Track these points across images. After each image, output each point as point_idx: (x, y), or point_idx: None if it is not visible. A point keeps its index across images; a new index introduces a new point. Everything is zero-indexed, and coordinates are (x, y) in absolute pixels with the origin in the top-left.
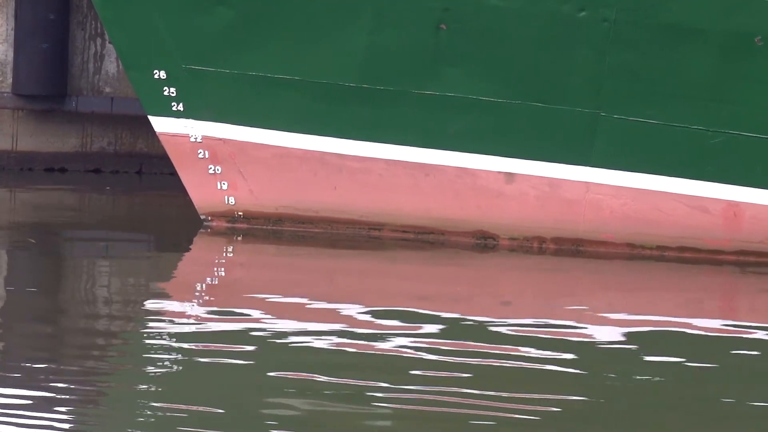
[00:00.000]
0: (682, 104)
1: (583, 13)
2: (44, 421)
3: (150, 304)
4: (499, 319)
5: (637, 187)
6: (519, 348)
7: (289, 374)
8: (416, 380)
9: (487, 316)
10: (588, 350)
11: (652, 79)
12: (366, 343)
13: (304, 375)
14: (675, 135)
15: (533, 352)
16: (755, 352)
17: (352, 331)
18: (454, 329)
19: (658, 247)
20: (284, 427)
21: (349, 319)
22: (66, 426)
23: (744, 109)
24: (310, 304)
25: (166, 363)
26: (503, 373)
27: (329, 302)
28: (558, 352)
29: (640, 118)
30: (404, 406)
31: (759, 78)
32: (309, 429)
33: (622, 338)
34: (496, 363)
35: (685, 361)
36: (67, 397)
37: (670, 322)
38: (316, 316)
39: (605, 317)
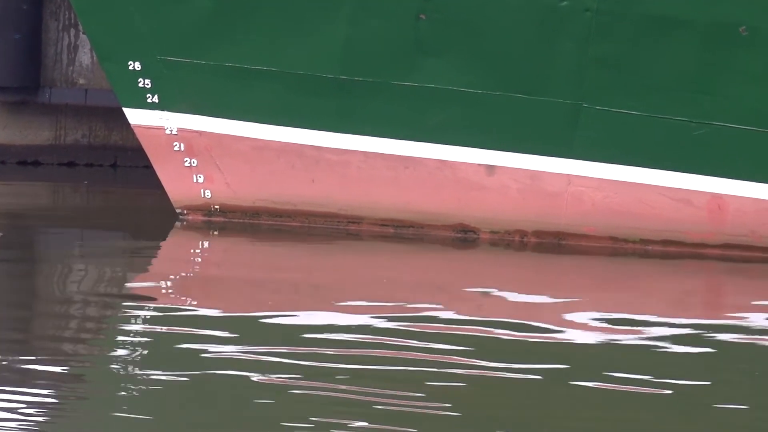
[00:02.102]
0: (666, 95)
1: (565, 3)
2: (21, 404)
3: (124, 297)
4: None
5: (620, 179)
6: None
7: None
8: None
9: (464, 314)
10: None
11: (635, 70)
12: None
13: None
14: (658, 126)
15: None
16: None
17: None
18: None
19: (642, 241)
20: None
21: (322, 314)
22: (44, 408)
23: (728, 100)
24: (286, 298)
25: (141, 350)
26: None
27: (305, 296)
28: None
29: (623, 109)
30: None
31: (743, 69)
32: (289, 404)
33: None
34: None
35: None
36: (43, 381)
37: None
38: (294, 307)
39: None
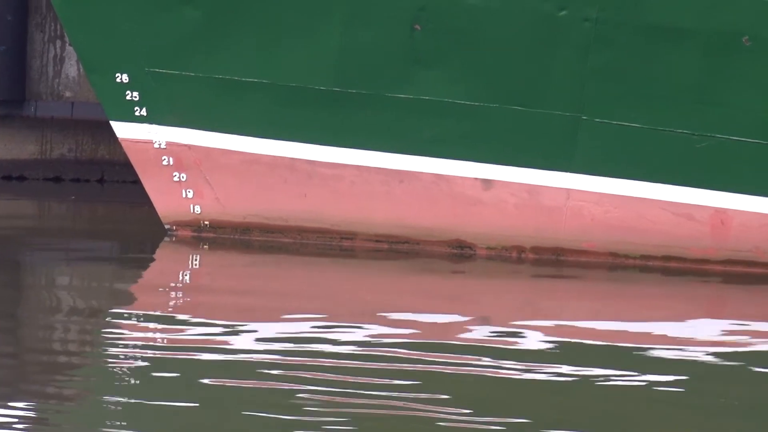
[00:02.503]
0: (667, 107)
1: (563, 12)
2: (6, 418)
3: (111, 315)
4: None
5: (621, 193)
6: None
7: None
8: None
9: (459, 332)
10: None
11: (635, 80)
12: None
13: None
14: (660, 139)
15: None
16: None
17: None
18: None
19: (642, 257)
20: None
21: (315, 332)
22: (28, 423)
23: (731, 111)
24: (278, 316)
25: (129, 367)
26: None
27: (295, 313)
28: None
29: (623, 121)
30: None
31: (747, 79)
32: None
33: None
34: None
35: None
36: (29, 391)
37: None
38: (284, 328)
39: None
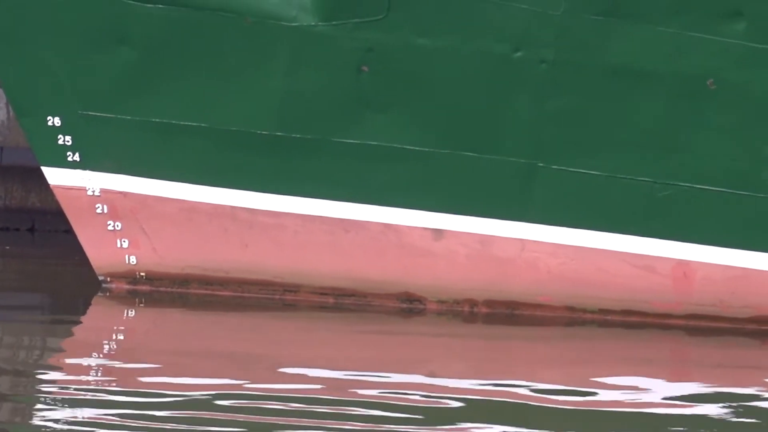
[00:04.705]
0: (628, 154)
1: (519, 54)
2: None
3: (41, 374)
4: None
5: (578, 244)
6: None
7: None
8: None
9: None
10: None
11: (595, 126)
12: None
13: None
14: (620, 187)
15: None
16: None
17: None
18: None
19: (601, 311)
20: None
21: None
22: None
23: (695, 158)
24: (210, 376)
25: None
26: None
27: (230, 379)
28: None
29: (581, 168)
30: None
31: (711, 125)
32: None
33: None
34: None
35: None
36: None
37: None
38: (220, 388)
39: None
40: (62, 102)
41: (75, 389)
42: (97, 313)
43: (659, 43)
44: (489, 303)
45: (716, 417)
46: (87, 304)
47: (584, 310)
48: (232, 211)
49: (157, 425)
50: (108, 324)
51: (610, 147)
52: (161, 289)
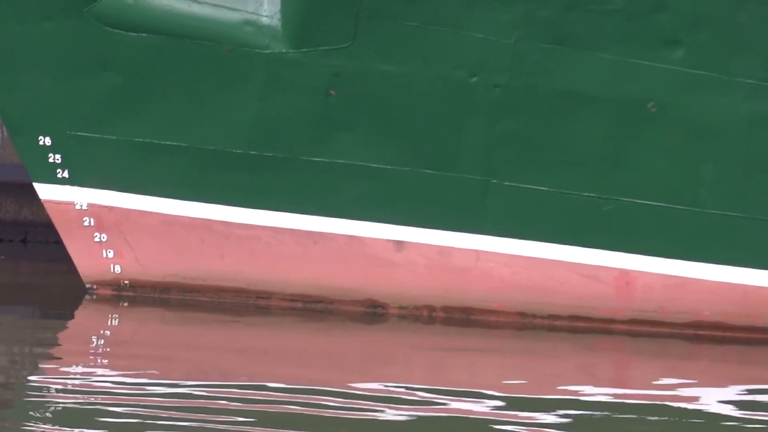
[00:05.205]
0: (575, 171)
1: (475, 79)
2: None
3: (32, 371)
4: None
5: (529, 255)
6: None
7: None
8: None
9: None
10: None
11: (544, 145)
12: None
13: None
14: (567, 202)
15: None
16: None
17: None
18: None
19: (550, 316)
20: None
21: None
22: None
23: (637, 175)
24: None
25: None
26: None
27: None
28: None
29: (531, 185)
30: None
31: (652, 144)
32: None
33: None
34: None
35: None
36: None
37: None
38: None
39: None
40: (52, 123)
41: (63, 380)
42: (83, 315)
43: (604, 69)
44: (446, 309)
45: (656, 420)
46: (74, 308)
47: (534, 316)
48: (209, 224)
49: (145, 412)
50: (94, 324)
51: (557, 165)
52: (143, 295)
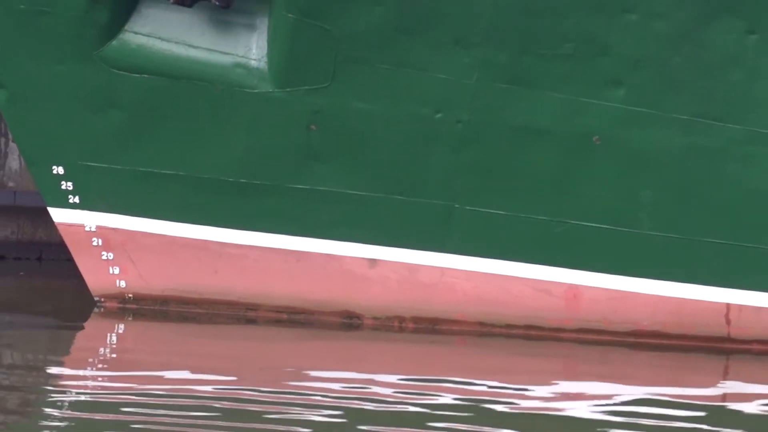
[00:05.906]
0: (529, 196)
1: (439, 115)
2: None
3: (45, 374)
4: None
5: (488, 271)
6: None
7: None
8: None
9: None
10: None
11: (501, 174)
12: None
13: None
14: (522, 224)
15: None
16: None
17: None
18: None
19: (507, 326)
20: None
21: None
22: None
23: (584, 201)
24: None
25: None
26: None
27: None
28: None
29: (490, 209)
30: None
31: (597, 173)
32: None
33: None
34: None
35: None
36: None
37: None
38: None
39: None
40: (65, 154)
41: (74, 384)
42: (92, 325)
43: (554, 106)
44: (415, 319)
45: (594, 419)
46: (84, 318)
47: (493, 325)
48: (204, 244)
49: (149, 411)
50: (102, 333)
51: (513, 191)
52: (145, 307)
